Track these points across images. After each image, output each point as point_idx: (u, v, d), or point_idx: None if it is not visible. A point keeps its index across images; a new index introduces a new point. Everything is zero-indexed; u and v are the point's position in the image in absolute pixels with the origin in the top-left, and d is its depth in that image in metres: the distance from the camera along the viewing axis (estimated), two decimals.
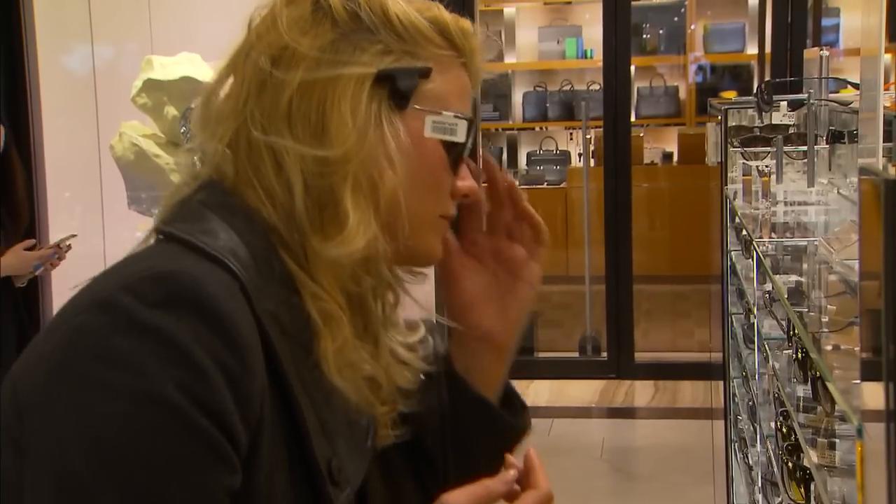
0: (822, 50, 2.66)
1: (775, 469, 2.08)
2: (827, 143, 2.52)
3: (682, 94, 8.31)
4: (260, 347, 0.85)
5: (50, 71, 4.87)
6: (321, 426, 0.90)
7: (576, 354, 6.11)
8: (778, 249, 2.16)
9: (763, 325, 2.31)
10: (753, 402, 2.61)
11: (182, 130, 3.67)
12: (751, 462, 2.72)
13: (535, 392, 5.67)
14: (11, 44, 4.81)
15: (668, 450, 4.83)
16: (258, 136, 0.92)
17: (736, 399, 3.22)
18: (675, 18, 8.31)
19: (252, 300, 0.86)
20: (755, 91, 3.06)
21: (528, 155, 8.56)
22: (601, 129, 5.99)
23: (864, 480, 0.93)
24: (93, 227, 4.56)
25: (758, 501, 2.49)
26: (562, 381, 5.84)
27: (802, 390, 1.76)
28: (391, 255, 0.94)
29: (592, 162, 7.04)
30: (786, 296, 1.82)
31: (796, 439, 1.77)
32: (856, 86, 2.56)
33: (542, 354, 6.12)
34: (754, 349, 2.61)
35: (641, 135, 7.88)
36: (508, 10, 8.46)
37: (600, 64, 6.04)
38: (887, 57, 3.35)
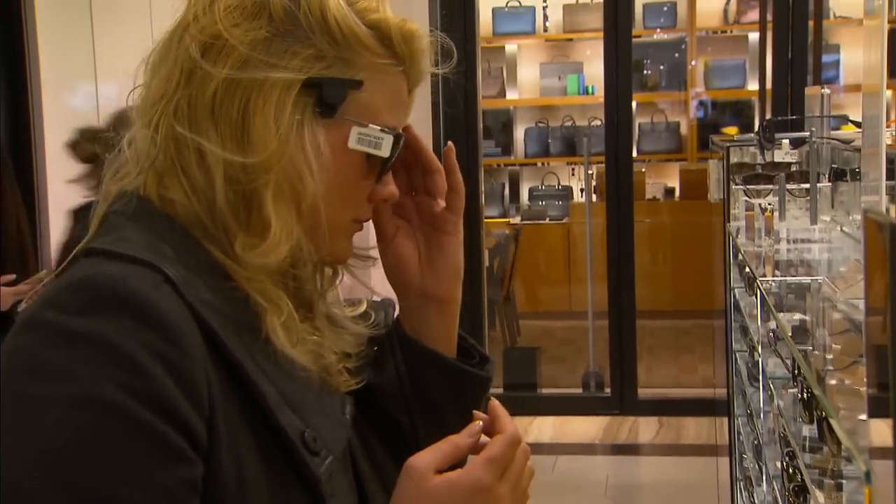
0: (823, 88, 2.67)
1: None
2: (829, 181, 2.53)
3: (684, 130, 8.34)
4: (197, 332, 0.84)
5: (54, 109, 4.89)
6: (285, 400, 0.89)
7: (579, 390, 6.08)
8: (782, 287, 2.16)
9: (767, 363, 2.30)
10: (759, 441, 2.59)
11: None
12: (757, 502, 2.70)
13: (538, 428, 5.64)
14: (16, 81, 4.84)
15: (672, 487, 4.79)
16: (182, 131, 0.90)
17: (741, 437, 3.20)
18: (676, 55, 8.36)
19: (180, 290, 0.85)
20: (757, 129, 3.07)
21: (531, 190, 8.58)
22: (603, 165, 6.00)
23: None
24: None
25: None
26: (565, 417, 5.81)
27: (808, 430, 1.75)
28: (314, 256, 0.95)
29: (595, 197, 7.05)
30: (790, 334, 1.81)
31: (802, 480, 1.76)
32: (857, 123, 2.56)
33: (545, 390, 6.09)
34: (759, 387, 2.60)
35: (643, 170, 7.90)
36: (510, 47, 8.51)
37: (601, 100, 6.06)
38: (888, 93, 3.36)
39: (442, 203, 1.05)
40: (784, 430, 1.99)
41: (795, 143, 2.79)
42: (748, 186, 2.90)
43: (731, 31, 8.25)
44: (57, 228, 4.78)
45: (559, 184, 8.58)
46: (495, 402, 0.95)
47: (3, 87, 4.80)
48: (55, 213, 4.71)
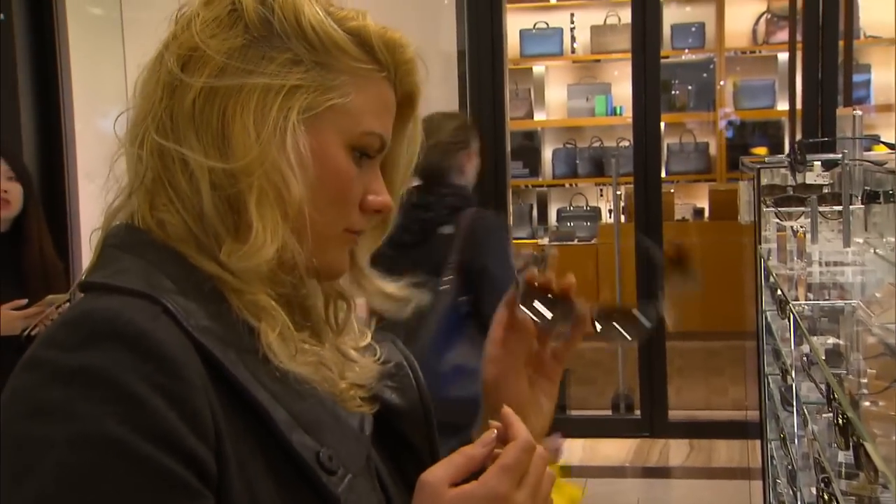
0: (854, 109, 2.65)
1: None
2: (862, 203, 2.51)
3: (713, 151, 8.31)
4: (198, 362, 0.83)
5: (85, 133, 4.94)
6: (297, 421, 0.88)
7: (609, 412, 6.04)
8: (815, 311, 2.14)
9: (801, 387, 2.28)
10: (793, 466, 2.57)
11: None
12: None
13: (568, 451, 5.60)
14: (49, 106, 4.89)
15: None
16: (164, 143, 0.91)
17: (774, 461, 3.17)
18: (705, 75, 8.33)
19: (179, 320, 0.84)
20: (788, 151, 3.05)
21: (559, 211, 8.57)
22: (631, 186, 5.99)
23: None
24: None
25: None
26: (595, 439, 5.78)
27: (844, 456, 1.73)
28: (306, 264, 0.93)
29: (623, 218, 7.02)
30: (823, 358, 1.80)
31: None
32: (890, 145, 2.55)
33: (574, 412, 6.06)
34: (793, 412, 2.58)
35: (672, 191, 7.87)
36: (537, 69, 8.52)
37: (630, 121, 6.05)
38: None
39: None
40: (819, 455, 1.97)
41: (827, 165, 2.78)
42: (780, 209, 2.88)
43: (760, 52, 8.22)
44: (88, 252, 4.82)
45: (587, 205, 8.56)
46: (508, 410, 0.92)
47: (37, 112, 4.86)
48: (87, 236, 4.74)
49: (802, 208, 2.75)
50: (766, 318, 3.17)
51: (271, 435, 0.86)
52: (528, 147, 8.61)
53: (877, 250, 2.31)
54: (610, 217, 7.99)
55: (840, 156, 2.60)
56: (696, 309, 7.21)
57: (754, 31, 8.15)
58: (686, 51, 8.24)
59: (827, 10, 5.26)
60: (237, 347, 0.87)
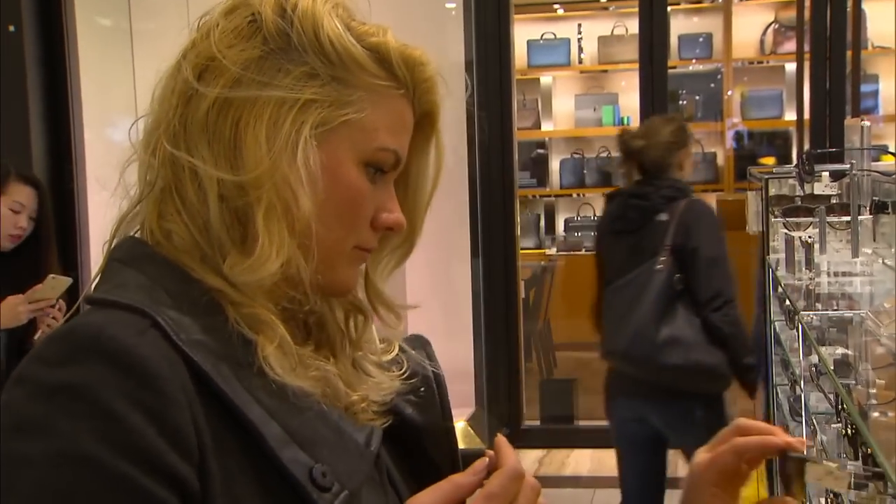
0: (863, 119, 2.65)
1: None
2: (870, 213, 2.50)
3: (720, 160, 8.30)
4: (185, 377, 0.82)
5: (95, 144, 4.96)
6: (292, 436, 0.86)
7: None
8: (823, 321, 2.14)
9: (810, 397, 2.28)
10: None
11: None
12: None
13: (575, 461, 5.60)
14: (58, 116, 4.91)
15: None
16: (175, 152, 0.90)
17: None
18: (712, 85, 8.33)
19: (169, 334, 0.83)
20: (796, 161, 3.06)
21: (566, 221, 8.56)
22: None
23: None
24: None
25: None
26: (603, 450, 5.76)
27: (853, 466, 1.73)
28: (311, 280, 0.92)
29: None
30: (832, 368, 1.79)
31: None
32: None
33: (582, 422, 6.05)
34: (801, 422, 2.57)
35: None
36: (545, 79, 8.53)
37: None
38: None
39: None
40: None
41: (835, 176, 2.77)
42: (788, 219, 2.88)
43: (768, 62, 8.22)
44: (97, 262, 4.83)
45: (595, 215, 8.56)
46: (501, 438, 0.90)
47: (46, 121, 4.88)
48: (95, 246, 4.76)
49: (811, 218, 2.75)
50: (774, 328, 3.16)
51: (262, 451, 0.85)
52: (536, 157, 8.62)
53: (885, 260, 2.31)
54: None
55: (848, 166, 2.59)
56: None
57: (762, 42, 8.15)
58: (693, 61, 8.24)
59: (835, 21, 5.26)
60: (232, 361, 0.86)
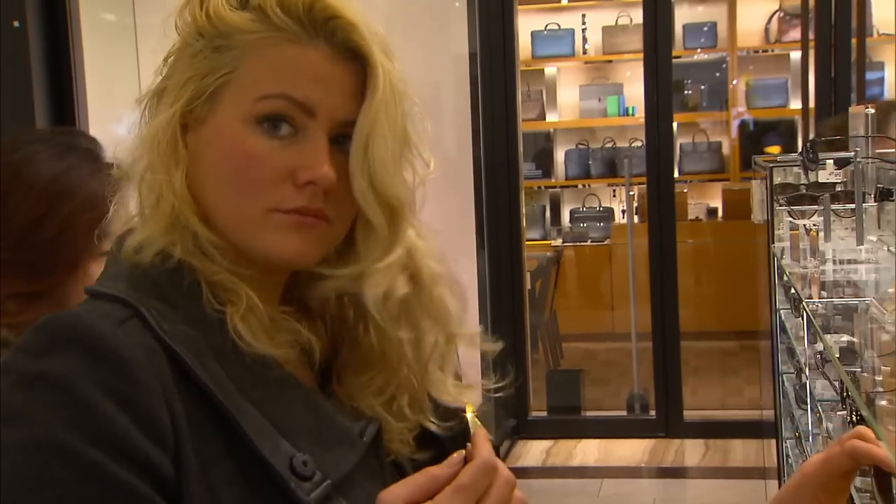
0: (867, 107, 2.65)
1: None
2: (875, 201, 2.50)
3: (726, 150, 8.30)
4: (162, 366, 0.84)
5: (100, 139, 4.97)
6: (274, 425, 0.88)
7: (624, 413, 6.04)
8: (828, 309, 2.14)
9: (815, 385, 2.28)
10: None
11: None
12: None
13: (583, 451, 5.62)
14: (63, 111, 4.92)
15: None
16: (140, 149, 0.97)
17: (789, 460, 3.17)
18: (717, 74, 8.32)
19: (151, 324, 0.85)
20: (801, 149, 3.05)
21: (572, 212, 8.57)
22: (644, 186, 5.99)
23: None
24: None
25: None
26: (610, 440, 5.78)
27: None
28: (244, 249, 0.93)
29: (636, 218, 7.01)
30: (837, 356, 1.80)
31: (853, 503, 1.74)
32: None
33: (589, 413, 6.06)
34: (807, 410, 2.57)
35: (685, 191, 7.86)
36: (549, 70, 8.52)
37: (642, 121, 6.05)
38: None
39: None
40: None
41: (840, 163, 2.77)
42: (793, 207, 2.88)
43: (773, 50, 8.21)
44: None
45: (600, 205, 8.56)
46: (479, 431, 0.89)
47: (52, 116, 4.89)
48: None
49: (815, 206, 2.75)
50: (779, 316, 3.16)
51: (241, 440, 0.86)
52: (541, 148, 8.62)
53: (890, 248, 2.30)
54: (623, 217, 7.99)
55: (853, 154, 2.59)
56: (710, 309, 7.21)
57: (766, 30, 8.14)
58: (698, 50, 8.23)
59: (839, 8, 5.25)
60: (217, 350, 0.88)
